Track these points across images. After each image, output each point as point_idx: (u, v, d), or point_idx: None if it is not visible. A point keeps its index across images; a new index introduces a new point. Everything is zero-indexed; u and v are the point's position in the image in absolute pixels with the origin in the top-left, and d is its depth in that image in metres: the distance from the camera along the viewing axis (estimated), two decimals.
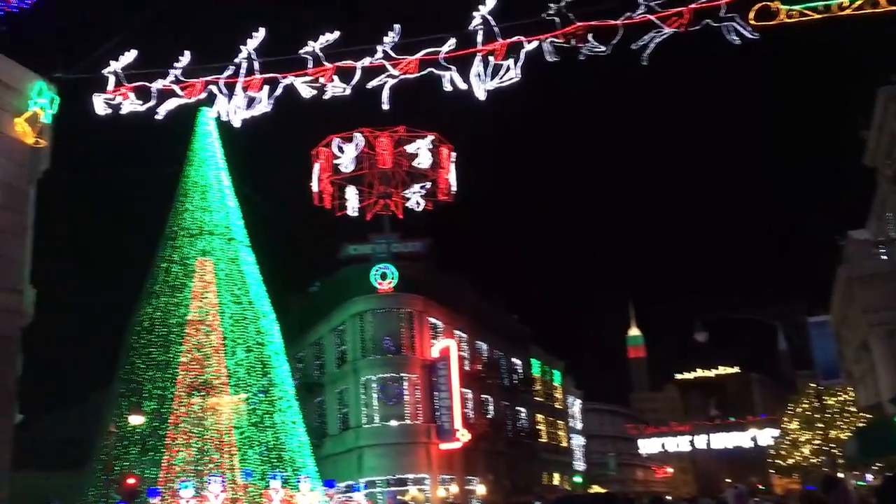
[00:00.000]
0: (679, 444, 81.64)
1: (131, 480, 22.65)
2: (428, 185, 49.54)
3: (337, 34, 16.27)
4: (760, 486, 66.00)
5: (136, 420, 26.91)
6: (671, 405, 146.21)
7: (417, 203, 49.31)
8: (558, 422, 69.98)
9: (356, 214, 48.88)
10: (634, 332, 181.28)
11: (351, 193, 48.68)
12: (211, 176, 34.55)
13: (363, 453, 42.03)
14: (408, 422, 42.78)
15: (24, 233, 19.49)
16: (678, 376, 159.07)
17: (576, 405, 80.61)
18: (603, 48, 15.24)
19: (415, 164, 47.99)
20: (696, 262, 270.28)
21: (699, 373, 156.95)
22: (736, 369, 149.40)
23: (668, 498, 53.04)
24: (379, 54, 16.20)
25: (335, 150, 47.35)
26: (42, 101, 19.08)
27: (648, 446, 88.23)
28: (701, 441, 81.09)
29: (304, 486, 28.78)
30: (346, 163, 46.98)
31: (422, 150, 47.76)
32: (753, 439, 76.89)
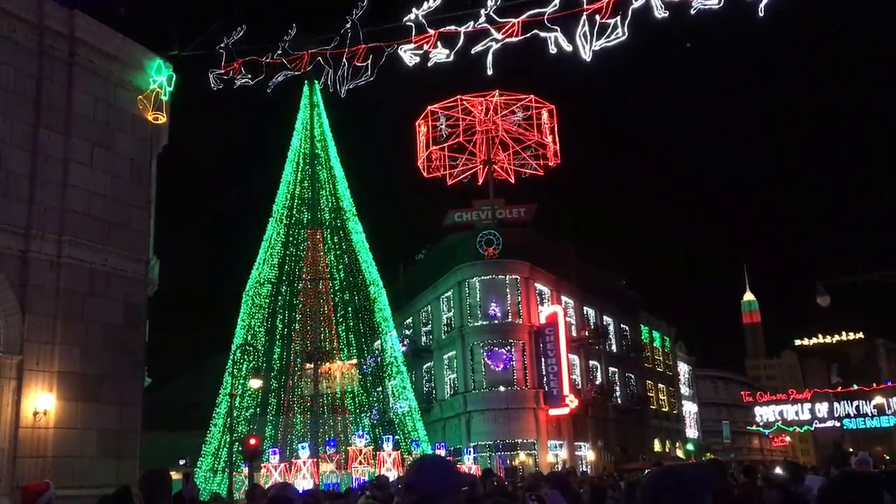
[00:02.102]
0: (798, 412, 78.73)
1: (253, 441, 23.70)
2: (532, 149, 49.14)
3: (439, 0, 16.19)
4: (886, 457, 62.99)
5: (254, 384, 28.08)
6: (789, 372, 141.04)
7: (522, 168, 49.04)
8: (669, 388, 68.78)
9: (461, 181, 49.08)
10: (749, 296, 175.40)
11: (454, 160, 48.88)
12: (318, 146, 35.41)
13: (471, 418, 42.54)
14: (515, 387, 42.93)
15: (147, 205, 20.49)
16: (797, 342, 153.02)
17: (687, 372, 78.92)
18: (715, 1, 14.55)
19: (518, 128, 47.63)
20: (814, 223, 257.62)
21: (819, 339, 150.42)
22: (860, 335, 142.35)
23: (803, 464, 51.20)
24: (482, 18, 16.02)
25: (440, 118, 47.56)
26: (160, 79, 19.89)
27: (765, 414, 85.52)
28: (822, 409, 77.98)
29: (415, 450, 29.43)
30: (449, 130, 47.18)
31: (524, 115, 47.37)
32: (878, 408, 73.31)
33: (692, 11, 14.69)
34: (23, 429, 16.57)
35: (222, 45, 17.54)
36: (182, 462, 38.06)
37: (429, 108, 48.36)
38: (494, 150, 48.47)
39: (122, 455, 18.29)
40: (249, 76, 17.48)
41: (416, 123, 49.08)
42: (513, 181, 48.88)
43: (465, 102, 47.30)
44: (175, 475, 9.15)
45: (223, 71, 17.63)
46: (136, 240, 19.75)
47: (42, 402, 16.85)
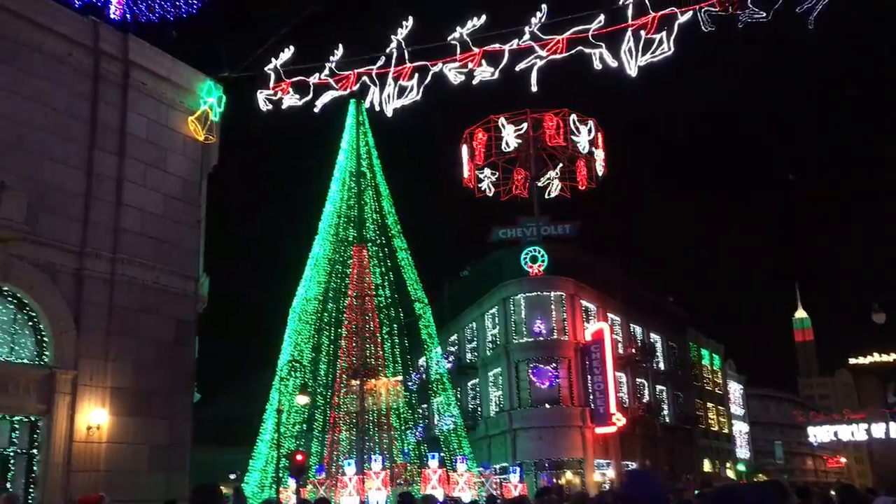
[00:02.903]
0: (853, 432, 76.36)
1: (300, 457, 23.84)
2: (577, 167, 48.92)
3: (484, 18, 16.28)
4: None
5: (301, 400, 28.30)
6: (844, 391, 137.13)
7: (566, 186, 48.84)
8: (719, 407, 67.44)
9: (505, 198, 49.06)
10: (801, 314, 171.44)
11: (499, 178, 48.90)
12: (364, 165, 35.78)
13: (517, 436, 42.23)
14: (561, 405, 42.53)
15: (197, 224, 20.87)
16: (852, 361, 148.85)
17: (737, 390, 77.30)
18: (764, 14, 14.37)
19: (564, 144, 47.49)
20: (869, 239, 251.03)
21: (875, 357, 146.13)
22: None
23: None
24: (526, 36, 16.06)
25: (493, 131, 47.74)
26: (211, 100, 20.32)
27: (819, 434, 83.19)
28: (878, 430, 75.50)
29: (461, 467, 29.30)
30: (494, 146, 47.29)
31: (570, 130, 47.22)
32: None
33: (740, 25, 14.54)
34: (77, 443, 16.93)
35: (271, 66, 17.87)
36: (232, 476, 38.45)
37: (476, 125, 48.49)
38: (540, 167, 48.38)
39: (173, 469, 18.55)
40: (297, 96, 17.76)
41: (461, 140, 49.28)
42: (568, 195, 48.72)
43: (512, 120, 47.34)
44: (224, 489, 9.25)
45: (272, 91, 17.93)
46: (186, 258, 20.12)
47: (95, 416, 17.20)
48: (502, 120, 46.56)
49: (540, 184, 48.12)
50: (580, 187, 48.77)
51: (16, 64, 17.28)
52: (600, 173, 48.70)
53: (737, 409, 75.62)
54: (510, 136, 46.48)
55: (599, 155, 48.38)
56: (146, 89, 19.76)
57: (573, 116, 47.17)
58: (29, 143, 17.23)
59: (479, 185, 48.98)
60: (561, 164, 48.30)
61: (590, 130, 47.76)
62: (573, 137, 47.25)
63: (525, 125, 46.64)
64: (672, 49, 15.13)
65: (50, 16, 18.13)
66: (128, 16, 21.66)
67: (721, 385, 69.84)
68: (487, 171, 48.50)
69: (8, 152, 16.73)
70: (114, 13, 21.24)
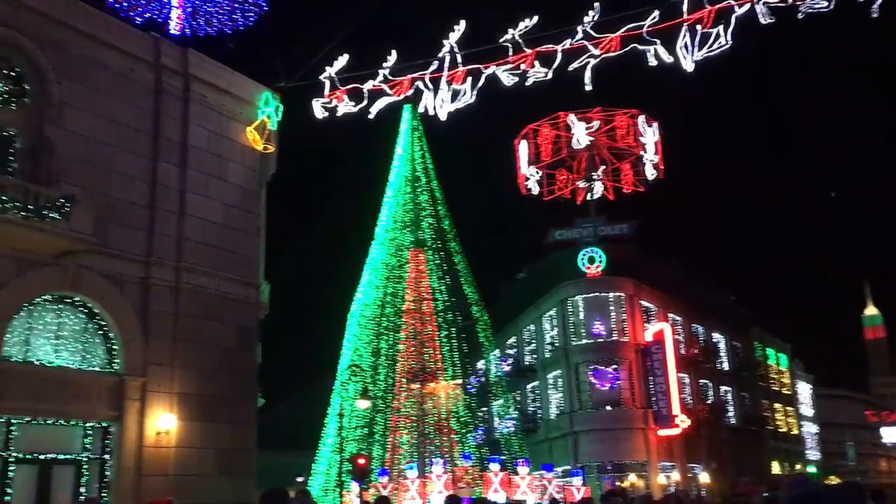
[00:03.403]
0: None
1: (362, 460, 24.04)
2: (634, 165, 48.30)
3: (536, 19, 16.21)
4: None
5: (362, 404, 28.53)
6: None
7: (623, 185, 48.27)
8: (787, 408, 65.72)
9: (561, 198, 48.71)
10: (872, 311, 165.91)
11: (554, 178, 48.57)
12: (419, 169, 35.95)
13: (578, 438, 41.84)
14: (623, 407, 42.01)
15: (257, 232, 21.27)
16: None
17: (806, 390, 75.21)
18: (825, 3, 13.99)
19: (620, 143, 46.96)
20: None
21: None
22: None
23: None
24: (579, 35, 15.94)
25: (540, 134, 47.47)
26: (268, 110, 20.71)
27: (892, 435, 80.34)
28: None
29: (522, 470, 29.14)
30: (549, 147, 47.00)
31: (626, 129, 46.65)
32: None
33: (800, 15, 14.18)
34: (147, 448, 17.39)
35: (326, 75, 18.10)
36: (300, 479, 38.87)
37: (529, 126, 48.28)
38: (596, 167, 47.88)
39: (239, 473, 18.91)
40: (352, 103, 17.96)
41: (516, 142, 49.10)
42: (620, 196, 48.13)
43: (566, 119, 46.98)
44: (291, 493, 9.37)
45: (327, 99, 18.17)
46: (247, 265, 20.52)
47: (164, 422, 17.65)
48: (572, 117, 46.02)
49: (581, 185, 47.63)
50: (637, 188, 48.12)
51: (83, 81, 17.88)
52: (654, 175, 47.93)
53: (806, 409, 73.59)
54: (581, 134, 46.00)
55: (651, 157, 47.51)
56: (206, 101, 20.23)
57: (641, 117, 46.66)
58: (96, 157, 17.79)
59: (537, 187, 48.69)
60: (604, 166, 47.65)
61: (654, 132, 47.09)
62: (641, 139, 46.71)
63: (596, 123, 46.12)
64: (730, 43, 14.85)
65: (114, 33, 18.71)
66: (187, 31, 22.26)
67: (789, 385, 68.06)
68: (533, 170, 48.16)
69: (77, 166, 17.32)
70: (174, 28, 21.85)
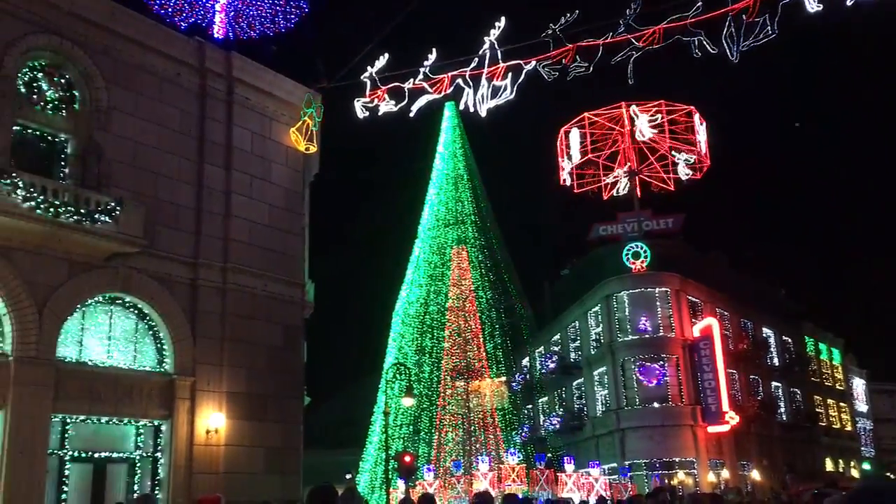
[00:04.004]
0: None
1: (408, 458, 24.13)
2: (679, 159, 47.67)
3: (577, 13, 16.06)
4: None
5: (407, 402, 28.67)
6: None
7: (668, 178, 47.67)
8: (840, 404, 64.26)
9: (608, 194, 48.30)
10: None
11: (597, 173, 48.16)
12: (460, 167, 35.97)
13: (625, 435, 41.40)
14: (670, 404, 41.43)
15: (301, 232, 21.47)
16: None
17: (860, 385, 73.39)
18: None
19: (664, 136, 46.37)
20: None
21: None
22: None
23: None
24: (621, 28, 15.75)
25: (578, 131, 47.10)
26: (310, 111, 20.87)
27: None
28: None
29: (569, 467, 28.98)
30: (592, 142, 46.60)
31: (669, 121, 46.07)
32: None
33: (849, 2, 13.82)
34: (197, 446, 17.68)
35: (366, 75, 18.17)
36: (348, 476, 39.24)
37: (578, 120, 47.91)
38: (640, 160, 47.36)
39: (287, 471, 19.12)
40: (393, 102, 18.00)
41: (557, 138, 48.79)
42: (670, 188, 47.60)
43: (607, 114, 46.57)
44: (340, 490, 9.41)
45: (368, 99, 18.24)
46: (292, 265, 20.72)
47: (213, 420, 17.92)
48: (635, 108, 45.68)
49: (608, 180, 47.14)
50: (683, 183, 47.52)
51: (130, 86, 18.23)
52: (704, 163, 47.23)
53: (860, 405, 71.83)
54: (644, 126, 45.63)
55: (701, 152, 46.88)
56: (249, 104, 20.47)
57: (697, 115, 46.22)
58: (143, 161, 18.13)
59: (579, 183, 48.31)
60: (629, 164, 47.09)
61: (690, 120, 46.53)
62: (697, 136, 46.26)
63: (659, 116, 45.68)
64: (776, 32, 14.53)
65: (160, 39, 19.04)
66: (230, 34, 22.53)
67: (842, 380, 66.51)
68: (572, 162, 47.77)
69: (125, 170, 17.67)
70: (217, 32, 22.13)
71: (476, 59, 17.06)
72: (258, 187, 20.27)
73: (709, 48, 15.09)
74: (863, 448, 68.56)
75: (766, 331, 52.38)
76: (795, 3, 14.38)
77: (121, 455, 17.08)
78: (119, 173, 17.50)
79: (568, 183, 48.03)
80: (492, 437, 33.38)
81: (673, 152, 46.33)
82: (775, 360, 52.17)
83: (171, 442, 17.39)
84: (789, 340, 55.40)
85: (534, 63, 16.44)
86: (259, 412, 18.93)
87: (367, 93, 18.28)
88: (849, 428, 65.14)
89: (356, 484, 32.89)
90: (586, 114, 47.02)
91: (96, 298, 17.08)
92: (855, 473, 59.86)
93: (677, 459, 41.01)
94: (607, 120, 46.66)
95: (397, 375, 30.25)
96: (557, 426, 43.61)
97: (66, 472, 16.04)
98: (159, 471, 17.37)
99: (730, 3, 14.62)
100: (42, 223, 15.42)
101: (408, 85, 17.80)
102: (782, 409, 51.09)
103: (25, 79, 16.80)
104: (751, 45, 14.93)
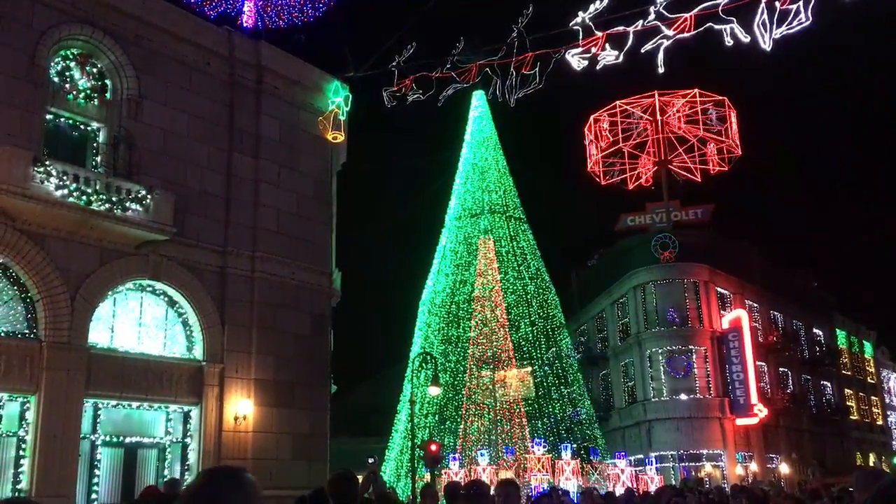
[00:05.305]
0: None
1: (434, 447, 24.18)
2: (708, 149, 47.18)
3: (606, 1, 15.87)
4: None
5: (433, 391, 28.74)
6: None
7: (694, 169, 47.21)
8: (871, 397, 63.39)
9: (633, 184, 47.96)
10: None
11: (626, 163, 47.83)
12: (488, 156, 35.79)
13: (652, 427, 41.20)
14: (698, 395, 41.14)
15: (329, 220, 21.55)
16: None
17: (893, 379, 72.39)
18: None
19: (694, 126, 45.91)
20: None
21: None
22: None
23: None
24: (651, 16, 15.54)
25: (608, 121, 46.78)
26: (338, 100, 20.90)
27: None
28: None
29: (594, 458, 28.92)
30: (621, 132, 46.28)
31: (699, 111, 45.58)
32: None
33: None
34: (226, 432, 17.88)
35: (394, 64, 18.13)
36: (371, 460, 39.47)
37: (607, 108, 47.55)
38: (668, 150, 46.92)
39: (313, 458, 19.28)
40: (420, 91, 17.95)
41: (585, 128, 48.46)
42: (698, 178, 47.24)
43: (635, 104, 46.19)
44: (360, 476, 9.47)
45: (396, 88, 18.21)
46: (319, 253, 20.83)
47: (242, 407, 18.10)
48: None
49: (637, 171, 46.82)
50: (720, 169, 47.22)
51: (161, 75, 18.39)
52: (735, 153, 46.71)
53: (893, 398, 70.83)
54: (682, 115, 45.63)
55: (731, 135, 46.41)
56: (278, 93, 20.56)
57: (728, 104, 45.93)
58: (174, 150, 18.30)
59: (607, 173, 48.02)
60: (659, 154, 46.72)
61: (720, 110, 46.07)
62: (728, 125, 45.99)
63: (656, 106, 45.39)
64: (810, 20, 14.24)
65: (190, 28, 19.17)
66: (259, 24, 22.63)
67: (873, 374, 65.59)
68: (599, 149, 47.55)
69: (155, 158, 17.85)
70: (246, 22, 22.25)
71: (504, 48, 16.95)
72: (286, 176, 20.37)
73: (741, 36, 14.84)
74: (894, 442, 67.60)
75: (797, 323, 51.79)
76: None
77: (151, 440, 17.32)
78: (149, 162, 17.68)
79: (605, 177, 47.83)
80: (518, 426, 33.36)
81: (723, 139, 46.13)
82: (805, 353, 51.57)
83: (201, 428, 17.60)
84: (820, 333, 54.74)
85: (562, 52, 16.28)
86: (286, 399, 19.09)
87: (395, 82, 18.25)
88: (880, 422, 64.28)
89: (379, 467, 33.07)
90: (618, 102, 46.66)
91: (127, 285, 17.31)
92: (887, 468, 59.06)
93: (704, 452, 40.76)
94: (638, 109, 46.27)
95: (423, 364, 30.35)
96: (584, 417, 43.57)
97: (98, 457, 16.31)
98: (189, 456, 17.60)
99: None
100: (74, 211, 15.64)
101: (435, 74, 17.75)
102: (812, 403, 50.53)
103: (58, 68, 17.02)
104: (784, 34, 14.66)
